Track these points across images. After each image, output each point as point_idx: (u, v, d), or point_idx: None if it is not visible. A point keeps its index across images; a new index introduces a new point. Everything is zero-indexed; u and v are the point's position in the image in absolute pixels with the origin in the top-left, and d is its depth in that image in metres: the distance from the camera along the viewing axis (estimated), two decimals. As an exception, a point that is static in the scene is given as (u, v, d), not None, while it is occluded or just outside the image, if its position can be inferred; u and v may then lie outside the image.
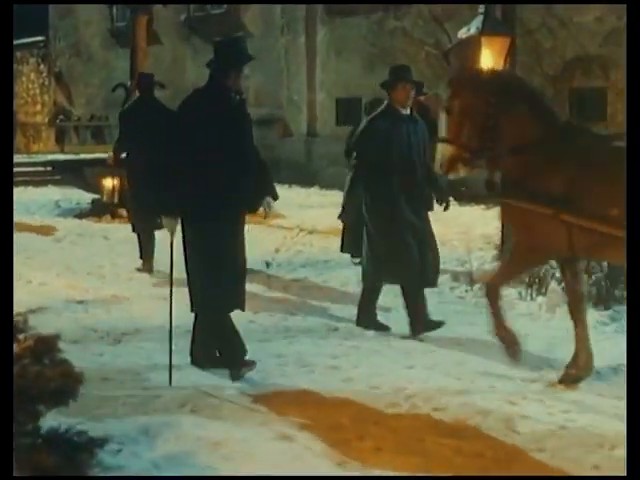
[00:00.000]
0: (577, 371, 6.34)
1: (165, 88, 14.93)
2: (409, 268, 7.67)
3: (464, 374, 6.64)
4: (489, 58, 9.68)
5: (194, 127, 6.39)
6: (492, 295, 6.36)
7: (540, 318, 8.22)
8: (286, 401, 5.98)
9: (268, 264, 10.53)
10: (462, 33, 9.94)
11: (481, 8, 9.80)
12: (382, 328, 7.91)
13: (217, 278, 6.42)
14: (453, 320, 7.94)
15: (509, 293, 8.69)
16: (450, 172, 6.37)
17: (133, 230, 11.00)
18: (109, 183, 15.00)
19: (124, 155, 11.39)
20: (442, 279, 9.56)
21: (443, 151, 6.34)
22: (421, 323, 7.72)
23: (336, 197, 11.98)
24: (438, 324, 7.72)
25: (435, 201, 8.07)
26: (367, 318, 7.99)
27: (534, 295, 8.70)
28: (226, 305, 6.54)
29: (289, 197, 14.88)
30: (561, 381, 6.33)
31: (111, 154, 12.93)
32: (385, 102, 8.03)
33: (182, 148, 6.38)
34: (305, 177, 19.13)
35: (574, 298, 6.36)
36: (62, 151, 25.37)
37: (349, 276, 9.64)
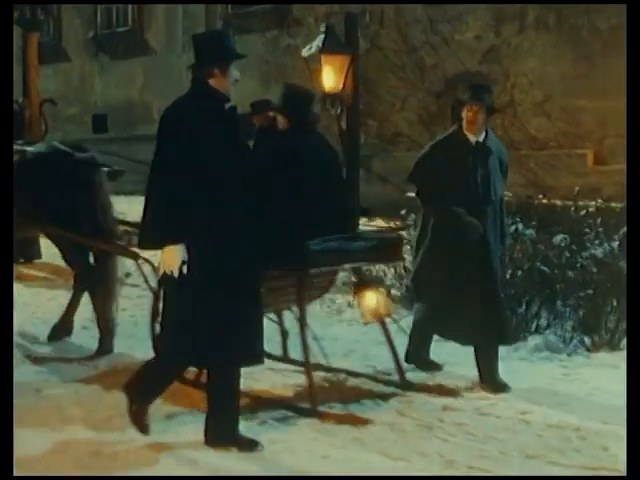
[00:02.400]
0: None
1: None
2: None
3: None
4: (330, 75, 10.20)
5: (186, 145, 5.17)
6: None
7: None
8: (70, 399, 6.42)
9: (128, 274, 10.79)
10: (305, 51, 10.42)
11: (322, 27, 10.30)
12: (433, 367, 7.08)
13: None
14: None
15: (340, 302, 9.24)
16: None
17: None
18: None
19: None
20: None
21: None
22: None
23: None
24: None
25: None
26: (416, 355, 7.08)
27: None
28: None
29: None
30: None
31: None
32: (454, 125, 6.94)
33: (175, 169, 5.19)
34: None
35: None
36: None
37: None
